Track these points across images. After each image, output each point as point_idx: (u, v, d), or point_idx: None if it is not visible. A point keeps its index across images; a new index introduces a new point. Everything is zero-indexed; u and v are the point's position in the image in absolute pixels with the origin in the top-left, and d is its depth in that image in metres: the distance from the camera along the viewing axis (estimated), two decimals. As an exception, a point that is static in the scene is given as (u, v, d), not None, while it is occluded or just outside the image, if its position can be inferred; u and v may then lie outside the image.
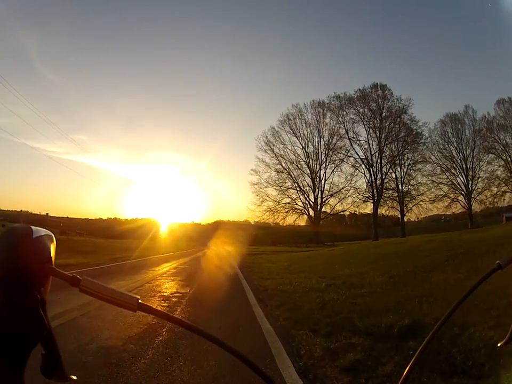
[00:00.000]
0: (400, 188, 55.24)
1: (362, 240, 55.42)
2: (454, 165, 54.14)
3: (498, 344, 0.80)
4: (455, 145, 53.97)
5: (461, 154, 53.71)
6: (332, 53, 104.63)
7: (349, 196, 57.17)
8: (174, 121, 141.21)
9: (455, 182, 54.33)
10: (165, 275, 13.06)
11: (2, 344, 0.44)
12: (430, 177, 54.92)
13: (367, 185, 55.64)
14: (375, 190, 54.66)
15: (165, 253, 31.15)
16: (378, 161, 54.79)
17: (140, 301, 0.51)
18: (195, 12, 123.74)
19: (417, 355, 0.76)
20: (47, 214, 28.62)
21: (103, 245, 30.31)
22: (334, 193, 57.52)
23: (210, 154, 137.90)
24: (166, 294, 8.70)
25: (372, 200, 55.17)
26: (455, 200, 54.84)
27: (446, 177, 54.64)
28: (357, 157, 56.19)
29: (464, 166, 53.58)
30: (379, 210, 57.14)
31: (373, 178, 54.77)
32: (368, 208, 58.16)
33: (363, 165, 55.83)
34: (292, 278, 11.58)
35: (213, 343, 0.59)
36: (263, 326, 5.70)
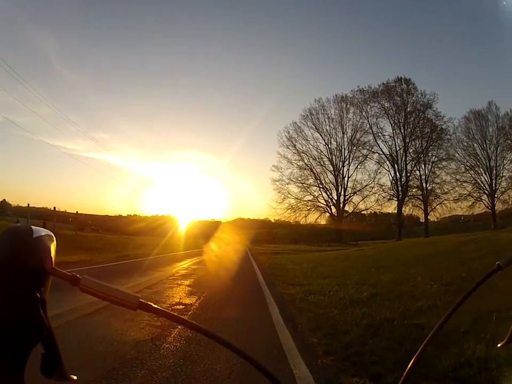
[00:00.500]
0: (424, 186, 52.36)
1: (385, 240, 53.43)
2: (478, 163, 50.88)
3: (499, 345, 0.79)
4: (479, 143, 50.68)
5: (484, 152, 50.42)
6: (354, 47, 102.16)
7: (372, 193, 54.77)
8: (193, 120, 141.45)
9: (479, 181, 51.04)
10: (171, 277, 11.13)
11: (2, 344, 0.44)
12: (453, 176, 51.80)
13: (391, 183, 53.02)
14: (399, 188, 51.87)
15: (180, 250, 29.64)
16: (403, 158, 52.09)
17: (140, 300, 0.50)
18: (214, 11, 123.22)
19: (417, 355, 0.75)
20: (54, 208, 26.97)
21: (115, 241, 28.85)
22: (357, 190, 55.11)
23: (230, 153, 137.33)
24: (163, 306, 6.73)
25: (396, 199, 52.47)
26: (478, 199, 51.61)
27: (470, 175, 51.44)
28: (381, 153, 53.60)
29: (488, 164, 50.30)
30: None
31: (397, 175, 52.11)
32: (391, 207, 55.41)
33: (387, 162, 53.36)
34: (323, 284, 9.44)
35: (215, 341, 0.59)
36: (297, 369, 3.64)
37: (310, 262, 16.39)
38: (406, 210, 54.88)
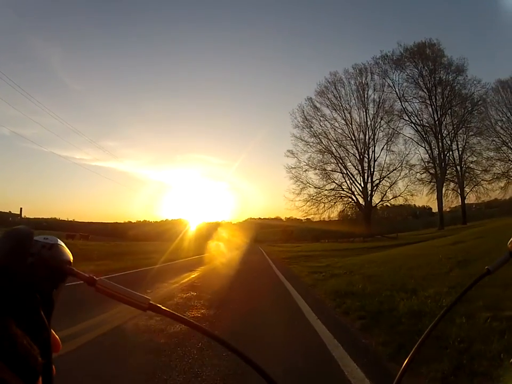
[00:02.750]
0: (460, 165, 41.95)
1: (416, 231, 44.34)
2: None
3: (511, 360, 0.81)
4: (508, 116, 40.25)
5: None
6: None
7: (403, 177, 43.96)
8: (201, 124, 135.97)
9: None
10: None
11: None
12: (487, 153, 41.42)
13: (428, 162, 42.77)
14: (437, 168, 41.59)
15: (175, 259, 20.45)
16: (438, 133, 41.79)
17: (150, 302, 0.51)
18: (218, 16, 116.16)
19: (411, 355, 0.74)
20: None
21: (92, 249, 20.72)
22: (388, 173, 44.18)
23: (240, 154, 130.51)
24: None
25: (433, 180, 42.04)
26: (512, 179, 41.03)
27: (503, 152, 40.87)
28: (412, 123, 43.33)
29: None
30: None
31: (434, 153, 41.92)
32: (423, 194, 44.91)
33: (421, 136, 42.99)
34: None
35: (219, 343, 0.59)
36: None
37: (428, 286, 6.75)
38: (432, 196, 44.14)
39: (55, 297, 0.43)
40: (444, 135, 41.81)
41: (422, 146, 42.93)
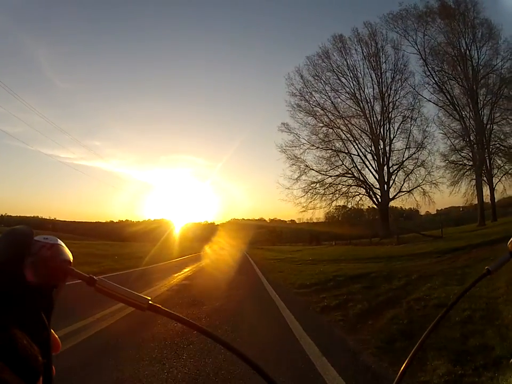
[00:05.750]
0: (488, 148, 30.50)
1: (453, 228, 32.13)
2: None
3: (510, 361, 0.73)
4: None
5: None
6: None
7: (419, 166, 32.64)
8: (187, 124, 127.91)
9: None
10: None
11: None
12: None
13: (462, 140, 31.11)
14: (474, 147, 30.09)
15: (145, 265, 16.29)
16: (471, 108, 30.20)
17: (150, 302, 0.50)
18: (203, 15, 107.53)
19: (410, 358, 0.71)
20: None
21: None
22: (410, 155, 32.68)
23: (225, 156, 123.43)
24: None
25: (464, 162, 31.08)
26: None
27: None
28: (442, 91, 31.81)
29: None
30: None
31: (469, 132, 30.33)
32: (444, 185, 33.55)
33: (451, 103, 31.39)
34: None
35: (219, 344, 0.57)
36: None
37: None
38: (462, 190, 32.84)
39: (55, 297, 0.42)
40: (480, 106, 30.41)
41: (454, 118, 31.36)
